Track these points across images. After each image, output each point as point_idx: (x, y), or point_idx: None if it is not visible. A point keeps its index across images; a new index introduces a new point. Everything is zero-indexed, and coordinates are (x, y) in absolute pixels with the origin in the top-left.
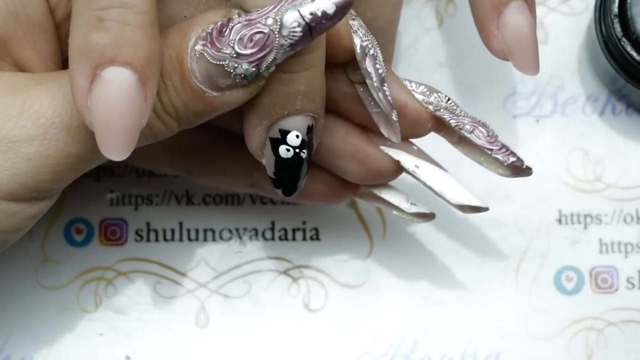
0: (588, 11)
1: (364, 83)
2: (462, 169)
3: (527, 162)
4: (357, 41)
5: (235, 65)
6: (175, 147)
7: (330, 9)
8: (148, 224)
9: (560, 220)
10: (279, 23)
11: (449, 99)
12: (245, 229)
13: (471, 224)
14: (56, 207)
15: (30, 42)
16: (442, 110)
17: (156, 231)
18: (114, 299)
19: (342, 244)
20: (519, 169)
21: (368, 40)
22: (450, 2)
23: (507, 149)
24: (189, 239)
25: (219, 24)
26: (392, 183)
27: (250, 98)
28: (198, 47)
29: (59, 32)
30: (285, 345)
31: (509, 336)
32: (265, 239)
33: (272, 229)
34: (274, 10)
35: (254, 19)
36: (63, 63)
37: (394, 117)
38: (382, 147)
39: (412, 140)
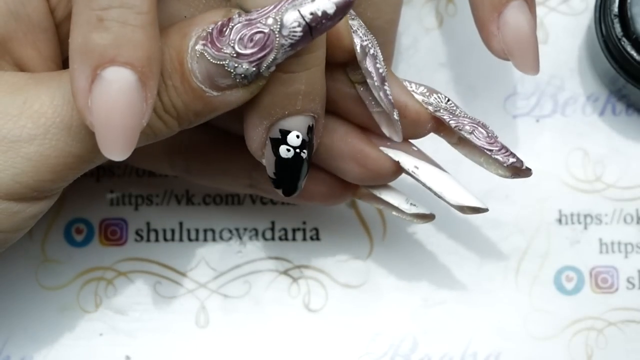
0: (588, 11)
1: (364, 83)
2: (462, 169)
3: (527, 163)
4: (357, 41)
5: (236, 65)
6: (175, 147)
7: (331, 8)
8: (148, 224)
9: (560, 220)
10: (279, 23)
11: (448, 100)
12: (245, 229)
13: (471, 224)
14: (56, 207)
15: (31, 41)
16: (441, 111)
17: (156, 231)
18: (114, 299)
19: (342, 244)
20: (518, 170)
21: (368, 39)
22: (450, 2)
23: (507, 150)
24: (189, 239)
25: (219, 23)
26: (391, 184)
27: (251, 98)
28: (198, 47)
29: (59, 32)
30: (285, 345)
31: (509, 336)
32: (265, 239)
33: (272, 229)
34: (274, 10)
35: (254, 19)
36: (63, 63)
37: (395, 116)
38: (381, 148)
39: (412, 141)
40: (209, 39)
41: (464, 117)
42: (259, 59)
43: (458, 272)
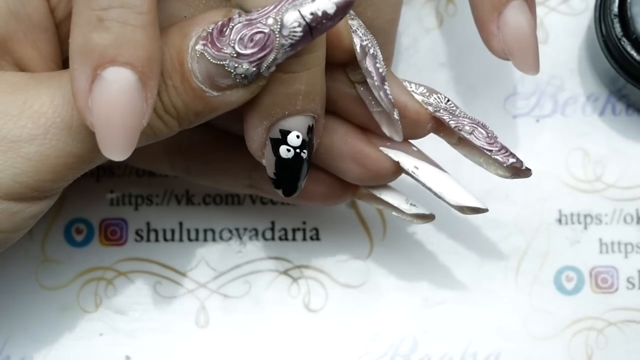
0: (588, 11)
1: (364, 82)
2: (462, 169)
3: (527, 163)
4: (356, 41)
5: (236, 65)
6: (175, 148)
7: (331, 9)
8: (148, 224)
9: (560, 220)
10: (279, 23)
11: (448, 100)
12: (245, 229)
13: (471, 224)
14: (56, 207)
15: (31, 41)
16: (441, 111)
17: (156, 231)
18: (114, 299)
19: (342, 244)
20: (518, 170)
21: (368, 39)
22: (450, 2)
23: (507, 150)
24: (189, 239)
25: (220, 23)
26: (391, 184)
27: (251, 98)
28: (198, 47)
29: (60, 32)
30: (285, 345)
31: (509, 336)
32: (265, 239)
33: (272, 229)
34: (275, 10)
35: (255, 19)
36: (63, 62)
37: (396, 116)
38: (381, 148)
39: (412, 141)
40: (209, 39)
41: (463, 117)
42: (259, 59)
43: (458, 272)
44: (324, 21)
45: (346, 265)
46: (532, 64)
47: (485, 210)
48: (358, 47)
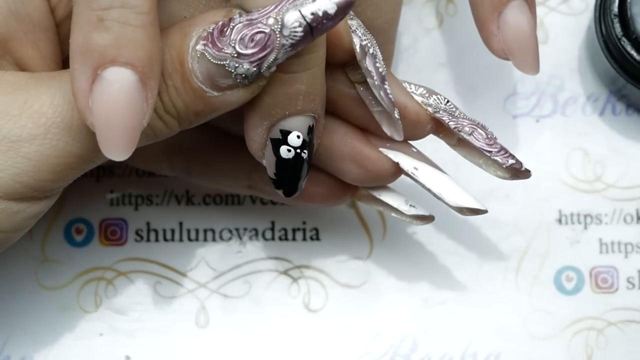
0: (588, 11)
1: (364, 82)
2: (462, 169)
3: (527, 163)
4: (356, 40)
5: (236, 65)
6: (175, 148)
7: (332, 9)
8: (148, 224)
9: (560, 220)
10: (280, 23)
11: (448, 101)
12: (245, 229)
13: (471, 224)
14: (56, 207)
15: (31, 41)
16: (441, 112)
17: (156, 231)
18: (114, 299)
19: (342, 244)
20: (517, 172)
21: (367, 39)
22: (450, 2)
23: (506, 151)
24: (189, 239)
25: (220, 23)
26: (391, 185)
27: (251, 98)
28: (199, 47)
29: (60, 32)
30: (285, 345)
31: (509, 336)
32: (265, 239)
33: (272, 229)
34: (275, 10)
35: (255, 19)
36: (63, 62)
37: (396, 115)
38: (381, 149)
39: (411, 142)
40: (210, 39)
41: (463, 118)
42: (260, 59)
43: (458, 272)
44: (324, 21)
45: (346, 265)
46: (532, 64)
47: (485, 212)
48: (357, 47)
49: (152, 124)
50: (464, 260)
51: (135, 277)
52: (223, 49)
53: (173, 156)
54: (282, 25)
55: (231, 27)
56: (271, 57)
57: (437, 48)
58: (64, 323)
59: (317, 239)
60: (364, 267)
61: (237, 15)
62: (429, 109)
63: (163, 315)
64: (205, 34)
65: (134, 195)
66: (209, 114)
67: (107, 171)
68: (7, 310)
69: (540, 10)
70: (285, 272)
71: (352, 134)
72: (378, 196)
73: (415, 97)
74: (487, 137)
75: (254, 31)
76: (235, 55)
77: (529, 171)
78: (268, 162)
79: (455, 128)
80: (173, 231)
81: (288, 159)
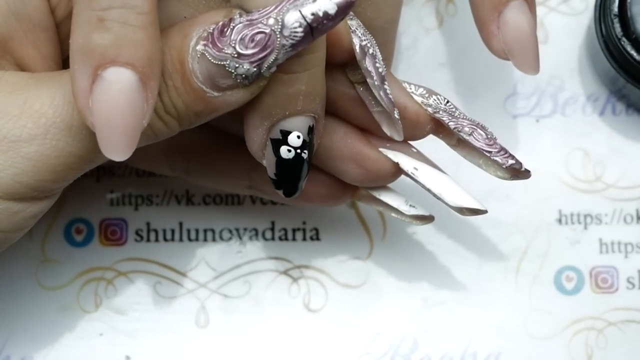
0: (588, 11)
1: (364, 83)
2: (462, 169)
3: (527, 163)
4: (356, 41)
5: (237, 65)
6: (175, 148)
7: (332, 9)
8: (148, 224)
9: (560, 220)
10: (280, 23)
11: (448, 101)
12: (245, 229)
13: (471, 224)
14: (56, 207)
15: (31, 41)
16: (441, 112)
17: (156, 231)
18: (114, 299)
19: (342, 244)
20: (517, 172)
21: (367, 39)
22: (450, 2)
23: (506, 152)
24: (189, 239)
25: (221, 24)
26: (391, 185)
27: (251, 98)
28: (199, 47)
29: (60, 31)
30: (285, 345)
31: (509, 336)
32: (265, 239)
33: (272, 229)
34: (276, 11)
35: (256, 19)
36: (64, 62)
37: (396, 115)
38: (381, 149)
39: (411, 142)
40: (210, 39)
41: (463, 118)
42: (260, 59)
43: (458, 272)
44: (325, 21)
45: (346, 265)
46: (532, 64)
47: (485, 212)
48: (357, 47)
49: (152, 124)
50: (464, 260)
51: (135, 277)
52: (223, 49)
53: (173, 156)
54: (283, 26)
55: (231, 27)
56: (271, 58)
57: (437, 48)
58: (64, 323)
59: (317, 239)
60: (364, 267)
61: (238, 16)
62: (429, 109)
63: (163, 315)
64: (205, 34)
65: (134, 195)
66: (209, 114)
67: (107, 171)
68: (7, 310)
69: (540, 10)
70: (285, 272)
71: (352, 134)
72: (378, 196)
73: (415, 97)
74: (487, 138)
75: (254, 31)
76: (236, 55)
77: (529, 171)
78: (268, 162)
79: (455, 128)
80: (173, 231)
81: (288, 159)
